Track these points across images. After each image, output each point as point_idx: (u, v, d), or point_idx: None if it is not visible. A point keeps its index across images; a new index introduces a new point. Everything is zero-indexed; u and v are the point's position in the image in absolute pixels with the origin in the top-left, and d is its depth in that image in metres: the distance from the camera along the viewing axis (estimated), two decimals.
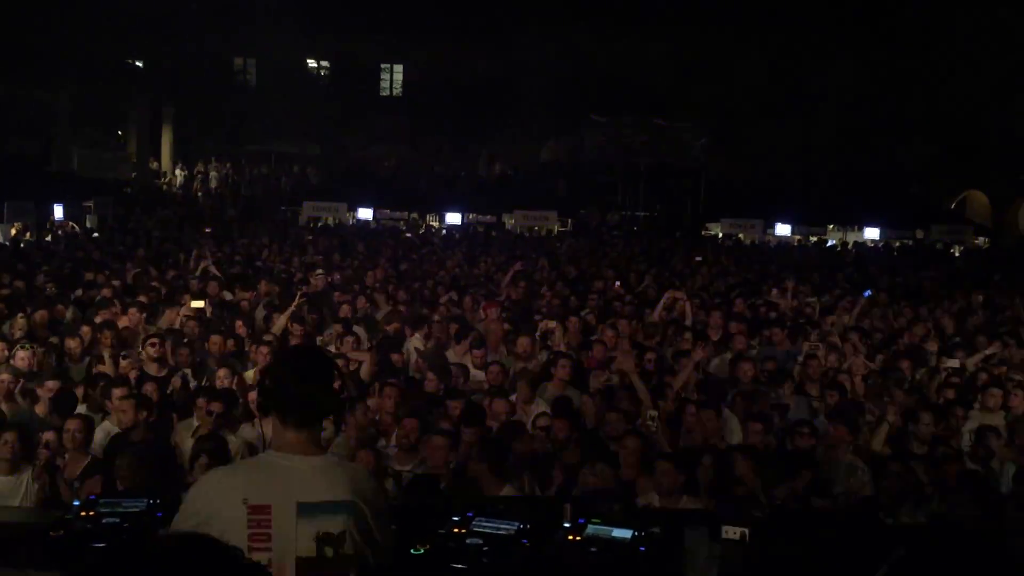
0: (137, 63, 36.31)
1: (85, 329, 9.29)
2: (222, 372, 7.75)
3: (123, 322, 9.83)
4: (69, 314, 10.66)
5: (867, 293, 14.04)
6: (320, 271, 14.27)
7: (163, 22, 30.92)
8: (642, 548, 3.84)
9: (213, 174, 35.72)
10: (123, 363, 8.08)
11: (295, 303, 10.25)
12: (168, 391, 7.82)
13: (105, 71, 31.44)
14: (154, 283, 12.68)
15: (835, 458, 6.53)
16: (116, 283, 12.25)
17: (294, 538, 2.71)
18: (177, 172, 35.95)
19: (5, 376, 7.43)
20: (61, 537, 3.95)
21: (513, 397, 7.64)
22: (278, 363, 3.14)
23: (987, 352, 10.39)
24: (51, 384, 7.45)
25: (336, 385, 3.11)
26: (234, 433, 6.63)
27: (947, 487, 5.62)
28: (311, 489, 2.77)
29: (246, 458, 5.62)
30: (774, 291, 14.51)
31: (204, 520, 2.73)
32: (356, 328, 10.08)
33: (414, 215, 29.62)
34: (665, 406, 7.30)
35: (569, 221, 30.37)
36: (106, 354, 8.30)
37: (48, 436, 6.24)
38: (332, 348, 9.07)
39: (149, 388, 7.40)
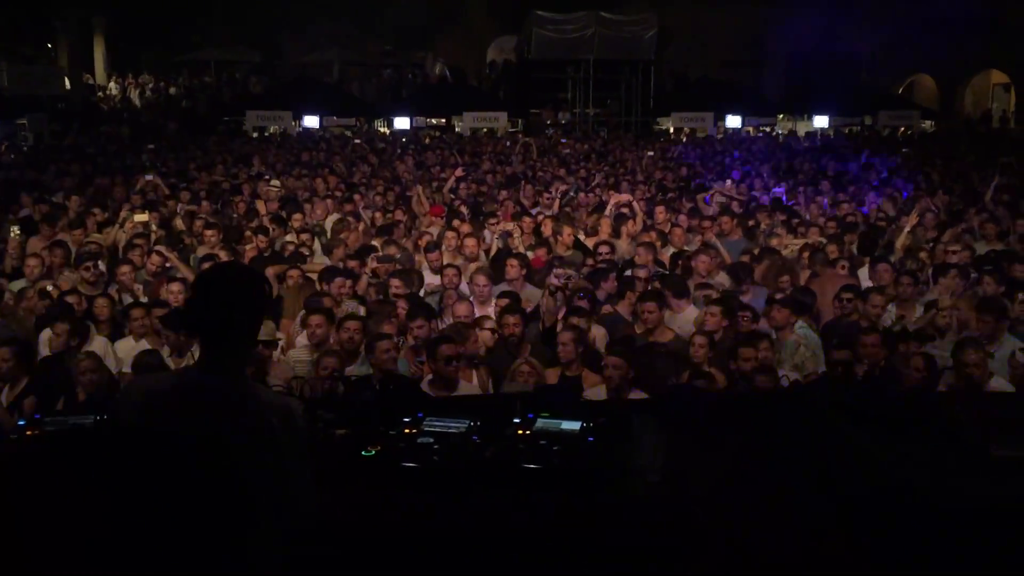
0: None
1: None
2: (175, 287, 7.60)
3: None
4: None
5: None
6: (275, 182, 14.12)
7: None
8: (590, 439, 3.89)
9: (150, 86, 34.49)
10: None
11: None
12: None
13: None
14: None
15: (782, 339, 6.82)
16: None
17: None
18: (112, 85, 34.62)
19: None
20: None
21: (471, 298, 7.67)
22: (197, 280, 2.96)
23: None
24: None
25: (260, 305, 2.84)
26: None
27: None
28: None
29: None
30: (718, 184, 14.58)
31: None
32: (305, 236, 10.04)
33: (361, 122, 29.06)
34: (631, 297, 7.37)
35: (520, 121, 29.98)
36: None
37: None
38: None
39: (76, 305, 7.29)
